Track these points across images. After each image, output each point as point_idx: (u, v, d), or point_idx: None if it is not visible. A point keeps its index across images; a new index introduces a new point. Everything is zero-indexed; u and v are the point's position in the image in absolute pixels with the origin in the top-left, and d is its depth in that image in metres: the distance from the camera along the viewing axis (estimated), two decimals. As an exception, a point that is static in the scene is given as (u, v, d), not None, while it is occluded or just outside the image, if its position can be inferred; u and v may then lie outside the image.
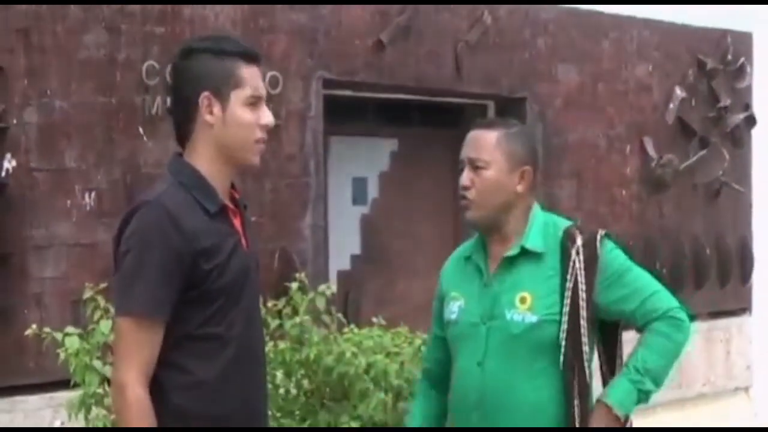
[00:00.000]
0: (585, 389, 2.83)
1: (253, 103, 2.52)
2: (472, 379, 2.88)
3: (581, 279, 2.83)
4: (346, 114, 6.87)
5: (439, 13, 6.75)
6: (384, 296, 7.05)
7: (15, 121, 5.11)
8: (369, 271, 7.13)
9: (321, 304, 4.55)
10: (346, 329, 4.64)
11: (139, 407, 2.36)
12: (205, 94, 2.48)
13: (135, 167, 5.42)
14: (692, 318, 2.95)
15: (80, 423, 4.04)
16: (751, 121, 8.54)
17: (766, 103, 8.62)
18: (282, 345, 4.37)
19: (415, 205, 7.35)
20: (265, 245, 5.80)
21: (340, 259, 6.93)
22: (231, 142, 2.52)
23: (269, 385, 4.25)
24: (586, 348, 2.82)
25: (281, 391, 4.38)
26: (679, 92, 8.08)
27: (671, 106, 8.03)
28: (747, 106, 8.55)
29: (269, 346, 4.37)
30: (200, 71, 2.50)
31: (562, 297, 2.83)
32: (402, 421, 4.39)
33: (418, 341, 4.56)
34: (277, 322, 4.44)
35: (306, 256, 6.07)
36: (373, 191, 7.25)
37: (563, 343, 2.81)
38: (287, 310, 4.51)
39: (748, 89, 8.61)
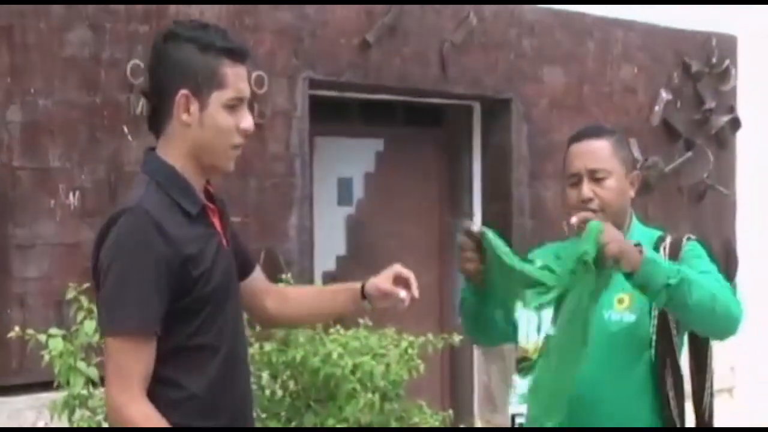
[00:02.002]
0: (679, 381, 2.82)
1: (234, 105, 2.36)
2: None
3: None
4: (332, 114, 6.85)
5: (425, 14, 6.73)
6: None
7: (-2, 120, 5.08)
8: (354, 272, 7.10)
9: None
10: (332, 330, 4.62)
11: (147, 420, 2.24)
12: (184, 92, 2.31)
13: (119, 166, 5.38)
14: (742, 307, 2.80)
15: (64, 424, 4.01)
16: (735, 123, 8.56)
17: (751, 105, 8.64)
18: (268, 346, 4.34)
19: (400, 206, 7.34)
20: (250, 245, 5.76)
21: (325, 260, 6.91)
22: (206, 145, 2.37)
23: (254, 386, 4.24)
24: (677, 340, 2.83)
25: (267, 392, 4.36)
26: (664, 94, 8.09)
27: (656, 108, 8.05)
28: (731, 109, 8.57)
29: (255, 348, 4.35)
30: (182, 63, 2.32)
31: None
32: (389, 423, 4.38)
33: (404, 343, 4.55)
34: (262, 322, 4.41)
35: (291, 257, 6.05)
36: (358, 191, 7.23)
37: (653, 337, 2.81)
38: (273, 311, 4.48)
39: (733, 92, 8.63)
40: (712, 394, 2.97)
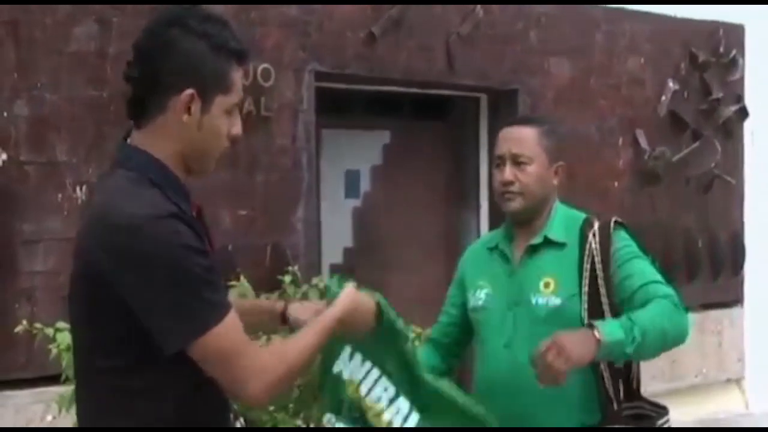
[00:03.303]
0: (612, 362, 2.94)
1: (231, 111, 2.24)
2: (499, 361, 3.03)
3: (597, 258, 2.97)
4: (338, 107, 6.84)
5: (431, 6, 6.72)
6: (377, 289, 7.02)
7: (5, 114, 5.08)
8: (361, 264, 7.11)
9: (314, 297, 4.54)
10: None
11: (288, 353, 2.20)
12: (190, 91, 2.15)
13: (126, 161, 5.38)
14: (686, 311, 3.00)
15: (71, 418, 4.02)
16: (743, 113, 8.54)
17: (758, 95, 8.61)
18: (275, 339, 4.34)
19: (407, 198, 7.33)
20: (257, 239, 5.79)
21: (332, 253, 6.91)
22: (200, 148, 2.21)
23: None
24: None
25: (274, 385, 4.36)
26: (671, 85, 8.07)
27: (663, 98, 8.03)
28: (739, 99, 8.55)
29: (263, 341, 4.35)
30: (192, 60, 2.16)
31: (581, 278, 2.96)
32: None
33: (411, 335, 4.54)
34: (269, 316, 4.41)
35: (298, 250, 6.05)
36: (365, 184, 7.23)
37: (586, 319, 2.92)
38: (280, 304, 4.48)
39: (740, 81, 8.60)
40: (638, 364, 3.06)
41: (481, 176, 7.44)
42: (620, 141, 7.81)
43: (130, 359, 2.13)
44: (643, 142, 7.86)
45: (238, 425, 4.13)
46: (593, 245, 2.98)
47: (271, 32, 6.03)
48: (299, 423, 4.29)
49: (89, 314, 2.19)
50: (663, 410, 3.09)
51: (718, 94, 8.32)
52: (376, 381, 2.63)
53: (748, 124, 8.65)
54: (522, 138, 3.07)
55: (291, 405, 4.36)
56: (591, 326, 2.77)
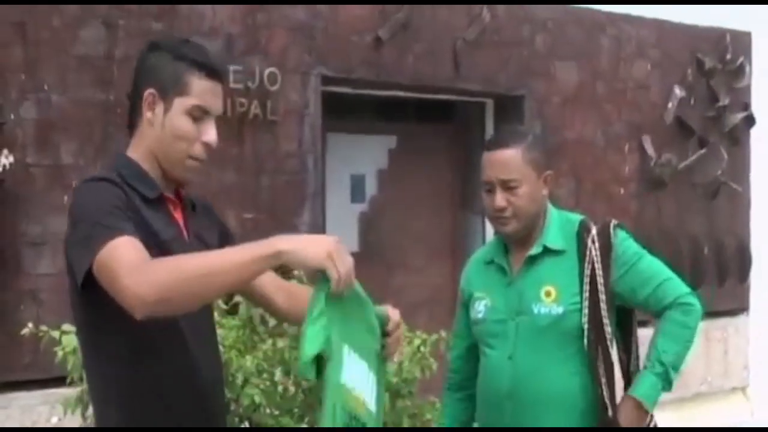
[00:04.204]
0: (610, 369, 2.97)
1: (198, 116, 2.38)
2: (503, 372, 3.01)
3: (598, 265, 2.96)
4: (344, 111, 6.84)
5: (438, 11, 6.72)
6: (382, 293, 7.02)
7: (12, 117, 5.09)
8: (367, 269, 7.11)
9: (319, 301, 4.53)
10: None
11: (166, 266, 2.11)
12: (150, 90, 2.38)
13: (132, 163, 5.38)
14: (698, 302, 3.05)
15: (76, 420, 4.02)
16: (749, 120, 8.54)
17: (765, 102, 8.62)
18: (281, 343, 4.34)
19: (413, 202, 7.33)
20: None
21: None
22: (164, 148, 2.39)
23: (268, 383, 4.24)
24: (608, 329, 2.97)
25: (280, 388, 4.35)
26: (678, 91, 8.06)
27: (670, 105, 8.02)
28: (746, 106, 8.55)
29: (268, 344, 4.35)
30: (154, 67, 2.41)
31: (582, 284, 2.96)
32: (401, 420, 4.37)
33: (417, 341, 4.53)
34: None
35: (304, 254, 6.03)
36: (371, 188, 7.23)
37: (586, 326, 2.94)
38: (286, 308, 4.48)
39: (747, 89, 8.60)
40: (637, 367, 3.11)
41: (486, 181, 7.43)
42: (626, 147, 7.81)
43: (85, 320, 2.37)
44: (650, 149, 7.86)
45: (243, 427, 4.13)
46: (593, 252, 2.98)
47: (278, 36, 6.03)
48: (305, 427, 4.28)
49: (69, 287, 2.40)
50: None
51: (724, 101, 8.32)
52: (367, 377, 2.46)
53: (754, 132, 8.64)
54: (507, 161, 2.99)
55: (296, 409, 4.35)
56: (633, 399, 2.94)
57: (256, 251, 2.17)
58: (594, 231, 3.02)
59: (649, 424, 3.00)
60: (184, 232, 2.44)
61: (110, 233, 2.16)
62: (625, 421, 2.92)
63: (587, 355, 2.93)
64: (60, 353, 3.91)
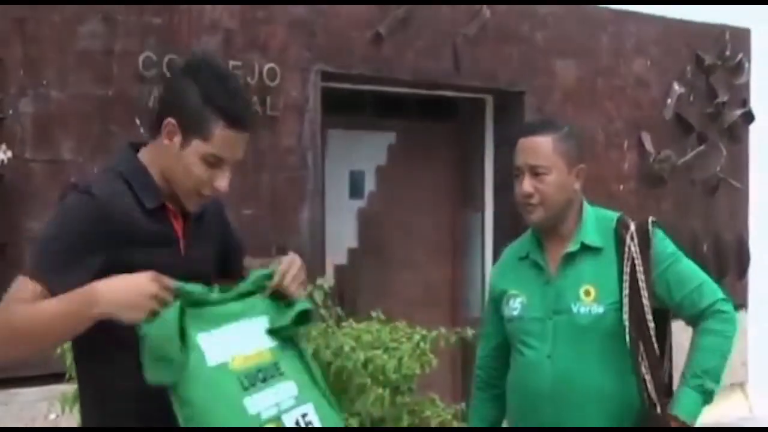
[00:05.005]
0: (655, 365, 2.93)
1: (213, 162, 2.35)
2: (542, 372, 2.97)
3: (638, 261, 2.94)
4: (344, 107, 6.83)
5: (438, 7, 6.71)
6: (381, 290, 7.03)
7: (11, 112, 5.08)
8: (364, 265, 7.11)
9: (319, 298, 4.53)
10: (344, 323, 4.61)
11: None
12: (172, 120, 2.34)
13: (132, 159, 5.37)
14: (736, 308, 3.06)
15: (74, 416, 4.01)
16: (748, 117, 8.53)
17: (764, 99, 8.60)
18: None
19: (412, 199, 7.33)
20: (262, 239, 5.77)
21: (336, 253, 6.91)
22: (174, 177, 2.38)
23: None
24: (650, 324, 2.92)
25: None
26: (677, 88, 8.06)
27: (669, 101, 8.02)
28: (744, 102, 8.54)
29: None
30: (182, 98, 2.36)
31: (621, 282, 2.93)
32: (401, 417, 4.36)
33: (416, 336, 4.54)
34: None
35: (304, 250, 6.02)
36: (370, 184, 7.23)
37: (627, 323, 2.90)
38: (285, 304, 4.48)
39: (746, 85, 8.59)
40: (671, 372, 3.07)
41: (486, 177, 7.44)
42: (626, 143, 7.80)
43: None
44: (649, 145, 7.85)
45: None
46: (632, 248, 2.95)
47: (278, 32, 6.02)
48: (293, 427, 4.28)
49: None
50: None
51: (723, 97, 8.31)
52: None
53: (753, 128, 8.63)
54: (538, 148, 2.99)
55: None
56: (676, 418, 2.88)
57: (79, 313, 2.21)
58: (632, 228, 3.00)
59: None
60: (181, 245, 2.43)
61: (35, 270, 2.27)
62: None
63: (629, 352, 2.89)
64: (58, 349, 3.90)
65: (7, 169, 5.05)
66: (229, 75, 2.46)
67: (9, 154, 5.07)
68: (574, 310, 2.96)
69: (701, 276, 3.03)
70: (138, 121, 5.40)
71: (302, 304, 2.47)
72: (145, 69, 5.44)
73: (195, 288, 2.30)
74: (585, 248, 3.01)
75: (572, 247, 3.02)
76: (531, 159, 2.99)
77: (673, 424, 2.88)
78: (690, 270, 3.03)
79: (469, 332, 4.73)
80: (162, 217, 2.39)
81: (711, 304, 2.95)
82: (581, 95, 7.55)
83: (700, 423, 2.99)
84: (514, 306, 3.08)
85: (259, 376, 2.33)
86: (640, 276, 2.92)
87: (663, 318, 3.05)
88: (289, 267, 2.47)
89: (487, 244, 7.33)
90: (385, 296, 6.84)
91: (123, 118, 5.39)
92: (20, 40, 5.12)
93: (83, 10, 5.30)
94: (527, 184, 2.99)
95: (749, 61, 8.56)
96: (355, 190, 7.17)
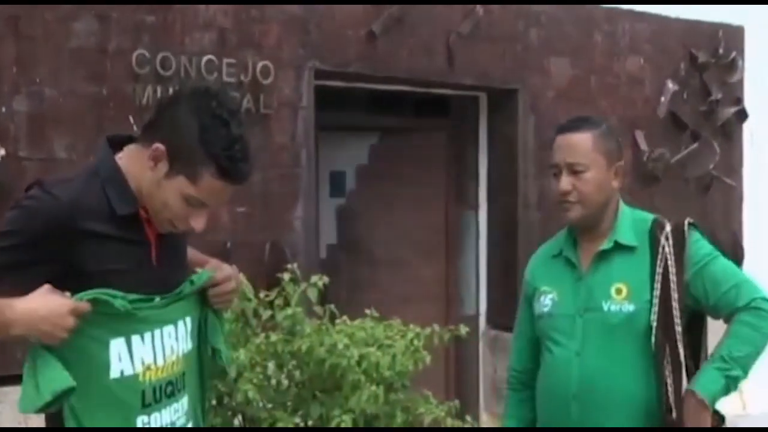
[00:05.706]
0: (678, 369, 2.87)
1: (193, 203, 2.28)
2: (570, 369, 2.94)
3: (671, 263, 2.90)
4: (338, 105, 6.83)
5: (432, 5, 6.71)
6: (369, 286, 7.04)
7: (4, 110, 5.08)
8: (352, 262, 7.12)
9: (313, 295, 4.54)
10: (338, 320, 4.61)
11: None
12: (162, 147, 2.24)
13: (125, 157, 5.37)
14: None
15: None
16: (742, 115, 8.54)
17: (757, 97, 8.61)
18: (274, 336, 4.34)
19: (405, 197, 7.34)
20: (255, 236, 5.78)
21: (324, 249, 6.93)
22: (150, 201, 2.29)
23: (261, 376, 4.24)
24: (678, 328, 2.88)
25: (273, 382, 4.36)
26: (670, 86, 8.07)
27: (663, 99, 8.02)
28: (738, 100, 8.54)
29: (261, 338, 4.35)
30: (179, 127, 2.25)
31: (653, 282, 2.89)
32: (395, 414, 4.37)
33: (410, 334, 4.54)
34: (269, 313, 4.42)
35: (297, 248, 6.04)
36: (360, 182, 7.24)
37: (654, 324, 2.86)
38: (279, 302, 4.49)
39: (740, 83, 8.59)
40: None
41: (480, 174, 7.44)
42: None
43: None
44: (642, 143, 7.86)
45: (236, 423, 4.14)
46: (666, 249, 2.91)
47: (271, 30, 6.02)
48: (297, 421, 4.29)
49: None
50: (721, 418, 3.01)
51: (717, 95, 8.32)
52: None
53: (747, 126, 8.64)
54: (577, 145, 2.96)
55: (289, 402, 4.35)
56: (691, 392, 2.80)
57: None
58: (668, 228, 2.96)
59: (719, 425, 2.90)
60: (153, 254, 2.36)
61: None
62: (686, 416, 2.80)
63: (653, 354, 2.85)
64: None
65: (1, 168, 5.04)
66: (233, 120, 2.31)
67: (2, 152, 5.06)
68: (605, 308, 2.91)
69: (740, 275, 2.96)
70: (131, 119, 5.39)
71: (206, 274, 2.46)
72: (139, 67, 5.44)
73: (124, 304, 2.23)
74: (618, 247, 2.97)
75: (606, 245, 2.98)
76: (569, 156, 2.96)
77: (690, 400, 2.80)
78: (727, 269, 2.96)
79: (463, 330, 4.73)
80: (134, 224, 2.32)
81: (749, 301, 2.87)
82: (575, 93, 7.55)
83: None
84: (545, 303, 3.04)
85: (167, 390, 2.33)
86: (672, 278, 2.88)
87: (699, 322, 3.01)
88: (226, 280, 2.48)
89: (481, 241, 7.33)
90: (370, 293, 6.86)
91: (117, 116, 5.39)
92: (14, 38, 5.12)
93: (77, 8, 5.30)
94: (565, 182, 2.95)
95: (743, 59, 8.57)
96: (335, 189, 7.20)
